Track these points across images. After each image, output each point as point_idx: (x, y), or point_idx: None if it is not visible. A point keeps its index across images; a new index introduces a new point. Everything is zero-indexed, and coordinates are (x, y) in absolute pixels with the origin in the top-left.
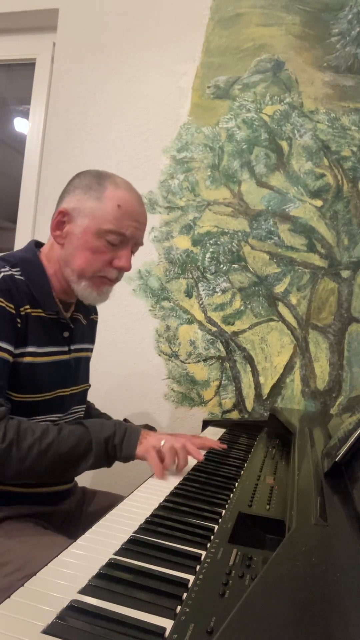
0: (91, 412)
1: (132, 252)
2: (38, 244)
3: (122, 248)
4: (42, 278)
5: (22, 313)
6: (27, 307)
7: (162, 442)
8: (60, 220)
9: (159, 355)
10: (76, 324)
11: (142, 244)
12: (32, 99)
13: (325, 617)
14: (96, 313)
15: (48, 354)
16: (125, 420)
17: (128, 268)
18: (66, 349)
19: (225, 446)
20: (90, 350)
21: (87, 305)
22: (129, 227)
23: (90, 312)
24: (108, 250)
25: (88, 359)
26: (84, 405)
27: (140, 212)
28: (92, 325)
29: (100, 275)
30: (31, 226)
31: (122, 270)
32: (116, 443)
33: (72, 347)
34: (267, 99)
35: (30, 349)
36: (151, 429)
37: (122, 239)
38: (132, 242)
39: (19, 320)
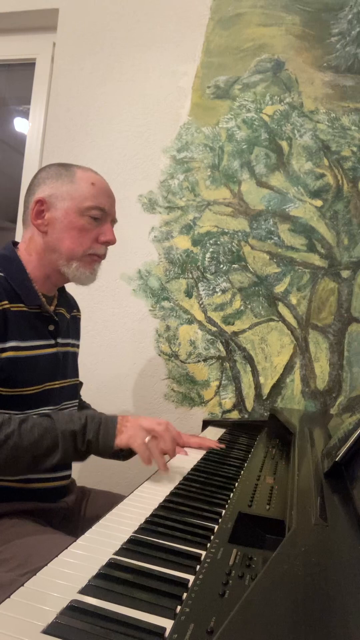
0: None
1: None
2: (16, 244)
3: (104, 223)
4: (22, 273)
5: (0, 309)
6: (6, 302)
7: (147, 439)
8: (39, 209)
9: (159, 355)
10: (60, 318)
11: (116, 220)
12: (32, 99)
13: (325, 617)
14: (78, 310)
15: (33, 347)
16: None
17: (114, 241)
18: (52, 342)
19: (223, 445)
20: (77, 346)
21: (70, 298)
22: (106, 202)
23: (72, 308)
24: (92, 227)
25: (75, 354)
26: (76, 401)
27: (110, 190)
28: (76, 321)
29: (89, 253)
30: None
31: (109, 244)
32: (90, 438)
33: (59, 341)
34: (267, 99)
35: (11, 344)
36: None
37: (102, 213)
38: (110, 217)
39: None
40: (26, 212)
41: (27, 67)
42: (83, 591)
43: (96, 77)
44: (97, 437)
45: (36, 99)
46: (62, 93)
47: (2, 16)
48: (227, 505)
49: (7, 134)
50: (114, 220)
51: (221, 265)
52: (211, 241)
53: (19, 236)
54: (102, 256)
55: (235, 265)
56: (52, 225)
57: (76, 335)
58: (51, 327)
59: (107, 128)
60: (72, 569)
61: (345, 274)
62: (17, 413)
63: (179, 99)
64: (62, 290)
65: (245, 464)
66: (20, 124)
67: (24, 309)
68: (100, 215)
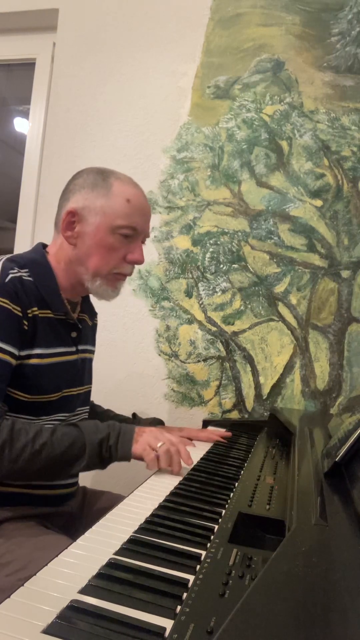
0: (96, 409)
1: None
2: (45, 246)
3: (134, 242)
4: (51, 279)
5: (30, 315)
6: (35, 308)
7: (160, 444)
8: (70, 220)
9: (159, 355)
10: (83, 325)
11: (149, 235)
12: (32, 99)
13: (325, 617)
14: (96, 316)
15: (56, 354)
16: (133, 415)
17: (142, 261)
18: (74, 349)
19: (230, 433)
20: (93, 352)
21: (91, 307)
22: (139, 221)
23: (93, 315)
24: (122, 246)
25: (91, 360)
26: (88, 407)
27: (146, 205)
28: (94, 327)
29: (115, 272)
30: (31, 226)
31: (137, 264)
32: (111, 444)
33: (80, 348)
34: (267, 99)
35: (37, 351)
36: (159, 422)
37: (134, 232)
38: (142, 235)
39: (25, 323)
40: (58, 217)
41: (27, 67)
42: (83, 591)
43: (96, 77)
44: (117, 446)
45: (36, 99)
46: (62, 93)
47: (2, 16)
48: (227, 505)
49: (7, 134)
50: (146, 236)
51: (221, 265)
52: (211, 241)
53: (19, 236)
54: (128, 274)
55: (235, 265)
56: (81, 238)
57: (93, 341)
58: (74, 334)
59: (107, 128)
60: (72, 569)
61: (345, 274)
62: (33, 419)
63: (179, 99)
64: (85, 297)
65: (245, 464)
66: (20, 124)
67: (51, 315)
68: (131, 233)
